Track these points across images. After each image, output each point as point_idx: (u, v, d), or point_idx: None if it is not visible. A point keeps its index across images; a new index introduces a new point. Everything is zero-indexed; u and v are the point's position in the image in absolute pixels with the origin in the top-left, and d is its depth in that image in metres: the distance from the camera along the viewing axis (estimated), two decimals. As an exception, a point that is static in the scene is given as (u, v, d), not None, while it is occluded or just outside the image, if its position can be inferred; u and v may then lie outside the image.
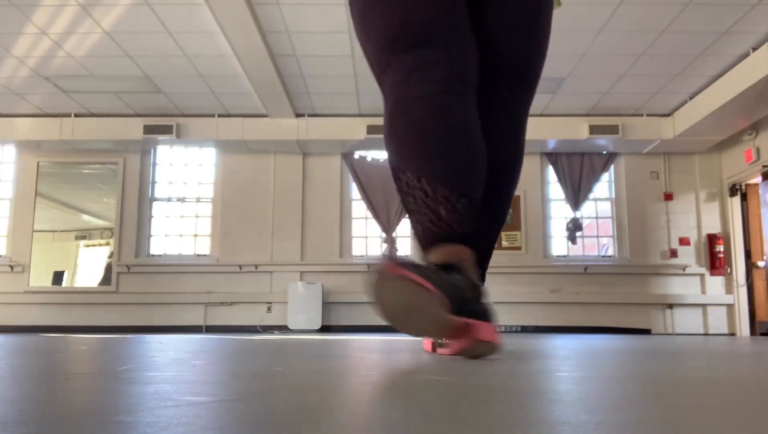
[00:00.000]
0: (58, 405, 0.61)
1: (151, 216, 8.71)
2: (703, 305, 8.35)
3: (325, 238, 8.47)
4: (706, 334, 8.16)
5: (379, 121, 7.47)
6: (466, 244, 1.33)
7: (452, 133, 1.35)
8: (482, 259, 1.69)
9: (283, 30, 5.97)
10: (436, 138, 1.34)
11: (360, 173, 8.52)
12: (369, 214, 8.52)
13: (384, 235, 8.45)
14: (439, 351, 1.55)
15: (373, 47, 1.45)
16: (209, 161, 8.81)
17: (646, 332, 8.25)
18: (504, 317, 8.22)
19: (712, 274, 8.36)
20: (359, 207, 8.68)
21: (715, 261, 8.32)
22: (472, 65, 1.45)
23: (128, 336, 4.59)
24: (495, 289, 7.85)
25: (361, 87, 7.30)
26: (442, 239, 1.31)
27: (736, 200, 8.24)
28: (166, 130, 8.09)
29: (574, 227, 8.44)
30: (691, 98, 7.52)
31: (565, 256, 8.59)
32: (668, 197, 8.55)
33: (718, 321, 8.31)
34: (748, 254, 8.11)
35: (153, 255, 8.60)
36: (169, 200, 8.79)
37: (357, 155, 8.60)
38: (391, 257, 1.29)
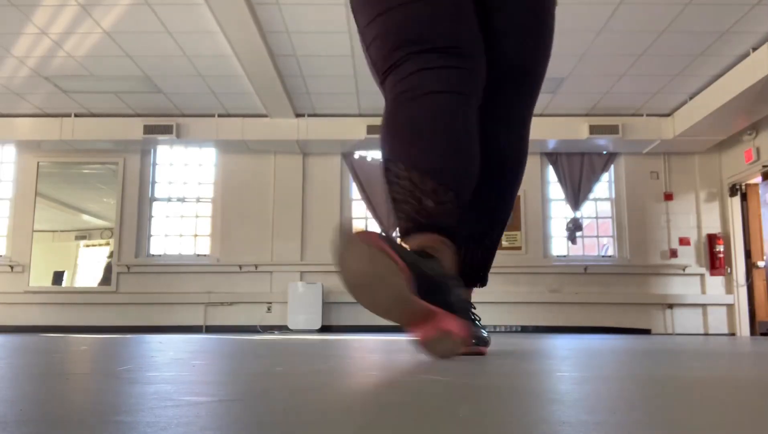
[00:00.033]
0: (58, 405, 0.61)
1: (151, 216, 8.71)
2: (703, 305, 8.35)
3: (325, 238, 8.47)
4: (706, 334, 8.16)
5: (379, 121, 7.43)
6: (446, 236, 1.33)
7: (450, 132, 1.36)
8: (485, 259, 1.69)
9: (283, 30, 5.97)
10: (432, 134, 1.35)
11: (360, 173, 8.52)
12: (369, 214, 8.52)
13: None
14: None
15: (384, 45, 1.44)
16: (209, 161, 8.81)
17: (646, 332, 8.25)
18: (504, 317, 8.22)
19: (712, 274, 8.36)
20: (359, 207, 8.69)
21: (715, 261, 8.32)
22: (480, 72, 1.46)
23: (128, 336, 4.59)
24: (495, 289, 7.86)
25: (361, 87, 7.30)
26: (423, 228, 1.31)
27: (736, 200, 8.24)
28: (166, 130, 8.09)
29: (574, 227, 8.44)
30: (691, 98, 7.52)
31: (565, 256, 8.59)
32: (668, 197, 8.55)
33: (718, 321, 8.31)
34: (748, 254, 8.11)
35: (153, 255, 8.60)
36: (169, 200, 8.79)
37: (357, 155, 8.60)
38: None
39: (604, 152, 8.56)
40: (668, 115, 8.02)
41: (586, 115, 8.08)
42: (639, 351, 1.91)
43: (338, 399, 0.66)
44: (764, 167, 7.50)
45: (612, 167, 8.69)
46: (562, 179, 8.54)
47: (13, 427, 0.47)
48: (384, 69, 1.45)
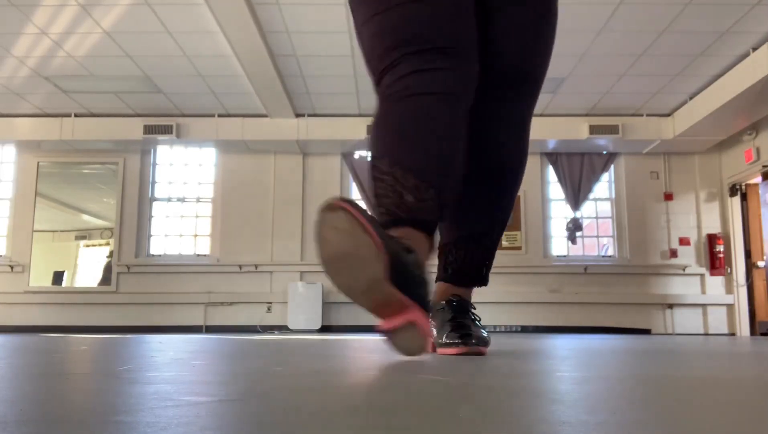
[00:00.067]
0: (58, 405, 0.61)
1: (151, 216, 8.71)
2: (703, 305, 8.35)
3: (325, 238, 8.46)
4: (706, 334, 8.16)
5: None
6: (423, 232, 1.33)
7: (434, 133, 1.37)
8: (485, 259, 1.69)
9: (283, 30, 5.97)
10: (417, 134, 1.36)
11: (360, 173, 8.52)
12: (369, 214, 8.52)
13: (384, 235, 8.45)
14: (440, 350, 1.54)
15: (380, 44, 1.45)
16: (209, 161, 8.82)
17: (646, 332, 8.25)
18: (504, 317, 8.22)
19: (712, 274, 8.36)
20: (359, 207, 8.68)
21: (715, 261, 8.32)
22: (473, 74, 1.46)
23: (128, 336, 4.59)
24: (495, 289, 7.86)
25: (361, 87, 7.30)
26: (402, 222, 1.31)
27: (736, 200, 8.24)
28: (166, 130, 8.09)
29: (574, 227, 8.44)
30: (691, 98, 7.52)
31: (565, 256, 8.59)
32: (668, 197, 8.55)
33: (718, 321, 8.31)
34: (748, 254, 8.11)
35: (153, 255, 8.60)
36: (169, 200, 8.79)
37: (357, 155, 8.61)
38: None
39: (604, 152, 8.56)
40: (668, 115, 8.02)
41: (586, 115, 8.08)
42: (639, 351, 1.91)
43: (338, 399, 0.66)
44: (764, 167, 7.50)
45: (612, 167, 8.69)
46: (562, 179, 8.54)
47: (13, 427, 0.47)
48: (380, 69, 1.45)
